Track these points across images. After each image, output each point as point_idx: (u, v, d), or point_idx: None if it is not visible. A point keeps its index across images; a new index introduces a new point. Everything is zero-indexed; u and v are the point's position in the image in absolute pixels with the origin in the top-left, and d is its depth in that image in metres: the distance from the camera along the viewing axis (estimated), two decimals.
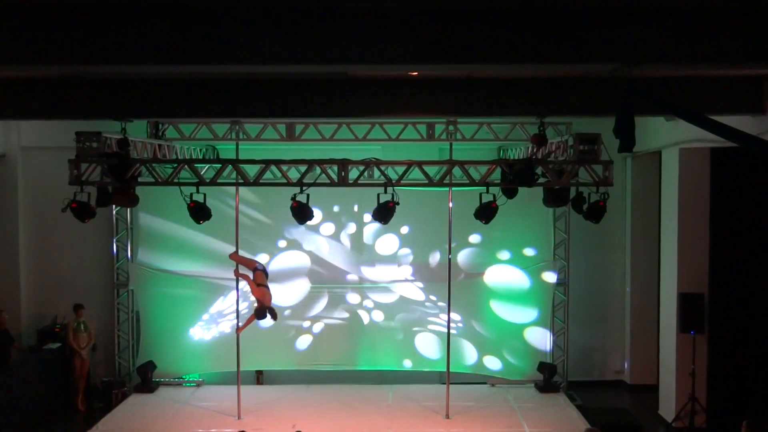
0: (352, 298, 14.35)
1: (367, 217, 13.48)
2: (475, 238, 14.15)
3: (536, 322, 14.29)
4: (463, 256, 14.17)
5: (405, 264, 14.30)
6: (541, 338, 14.29)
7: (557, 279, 14.22)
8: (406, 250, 14.28)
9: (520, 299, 14.27)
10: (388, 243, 14.27)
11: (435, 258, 14.16)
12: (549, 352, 14.23)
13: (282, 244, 14.20)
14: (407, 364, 14.29)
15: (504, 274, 14.27)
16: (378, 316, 14.34)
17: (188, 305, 14.20)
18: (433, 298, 14.23)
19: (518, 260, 14.28)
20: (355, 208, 14.14)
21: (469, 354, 14.29)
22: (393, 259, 14.30)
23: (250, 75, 9.73)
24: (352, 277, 14.33)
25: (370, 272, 14.31)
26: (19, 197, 14.23)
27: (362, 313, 14.35)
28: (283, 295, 14.14)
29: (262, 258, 13.37)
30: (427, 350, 14.28)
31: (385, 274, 14.29)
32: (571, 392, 13.83)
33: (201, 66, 7.62)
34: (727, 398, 11.97)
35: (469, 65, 7.96)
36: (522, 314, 14.28)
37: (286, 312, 14.20)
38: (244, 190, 13.10)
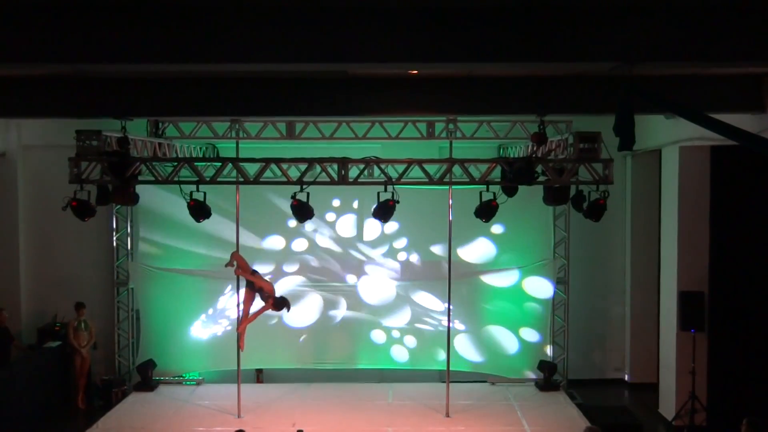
0: (352, 296, 14.35)
1: (367, 215, 13.49)
2: (475, 237, 14.14)
3: (536, 321, 14.30)
4: (462, 255, 14.16)
5: (405, 262, 14.30)
6: (541, 336, 14.30)
7: (555, 281, 14.25)
8: (406, 249, 14.29)
9: (520, 297, 14.27)
10: (387, 241, 14.27)
11: (435, 256, 14.15)
12: (549, 352, 14.25)
13: (280, 242, 14.22)
14: (408, 362, 14.32)
15: (503, 272, 14.27)
16: (377, 314, 14.34)
17: (188, 303, 14.21)
18: (432, 296, 14.23)
19: (518, 258, 14.28)
20: (355, 205, 14.15)
21: (469, 352, 14.30)
22: (393, 257, 14.30)
23: (250, 73, 9.73)
24: (352, 275, 14.32)
25: (369, 270, 14.30)
26: (20, 195, 14.24)
27: (362, 311, 14.35)
28: (282, 292, 14.17)
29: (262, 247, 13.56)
30: (427, 348, 14.29)
31: (384, 272, 14.30)
32: (571, 390, 13.83)
33: (201, 64, 7.64)
34: (727, 396, 11.97)
35: (469, 63, 7.96)
36: (522, 312, 14.28)
37: (285, 309, 14.23)
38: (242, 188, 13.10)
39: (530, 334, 14.29)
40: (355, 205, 14.16)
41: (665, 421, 12.63)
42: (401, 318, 14.33)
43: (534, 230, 14.30)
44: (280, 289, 14.01)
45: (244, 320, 11.88)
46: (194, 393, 13.69)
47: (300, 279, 14.28)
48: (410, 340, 14.35)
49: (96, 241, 14.32)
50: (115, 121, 10.90)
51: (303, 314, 14.30)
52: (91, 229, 13.12)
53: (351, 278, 14.33)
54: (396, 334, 14.35)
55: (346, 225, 14.28)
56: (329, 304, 14.34)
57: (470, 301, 14.24)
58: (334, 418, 12.31)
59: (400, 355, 14.37)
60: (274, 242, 14.21)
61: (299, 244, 14.22)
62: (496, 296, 14.29)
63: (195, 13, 7.04)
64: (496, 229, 13.93)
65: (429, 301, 14.28)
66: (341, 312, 14.36)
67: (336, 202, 14.12)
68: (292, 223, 13.74)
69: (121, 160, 10.55)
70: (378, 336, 14.35)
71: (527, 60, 7.36)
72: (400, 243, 14.28)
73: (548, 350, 14.28)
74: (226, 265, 11.77)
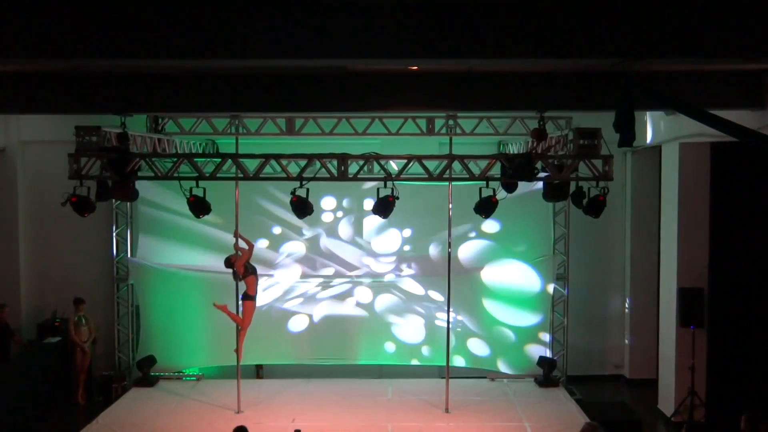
0: (352, 292, 14.36)
1: (367, 210, 13.50)
2: (474, 233, 14.15)
3: (536, 317, 14.30)
4: (462, 251, 14.17)
5: (405, 258, 14.30)
6: (540, 332, 14.31)
7: (556, 275, 14.25)
8: (406, 245, 14.30)
9: (520, 293, 14.27)
10: (387, 237, 14.27)
11: (434, 252, 14.16)
12: (549, 345, 14.27)
13: (280, 234, 14.22)
14: (408, 358, 14.35)
15: (503, 268, 14.27)
16: (378, 310, 14.34)
17: (188, 299, 14.19)
18: (432, 292, 14.24)
19: (518, 254, 14.28)
20: (355, 201, 14.15)
21: (468, 348, 14.31)
22: (393, 253, 14.30)
23: (250, 69, 9.72)
24: (352, 271, 14.33)
25: (369, 266, 14.31)
26: (19, 191, 14.25)
27: (362, 307, 14.35)
28: (282, 288, 14.20)
29: (261, 244, 13.71)
30: (427, 344, 14.31)
31: (384, 268, 14.30)
32: (570, 387, 13.85)
33: (200, 60, 7.64)
34: (726, 392, 12.00)
35: (469, 59, 7.94)
36: (521, 308, 14.29)
37: (285, 305, 14.26)
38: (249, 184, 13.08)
39: (529, 330, 14.30)
40: (355, 200, 14.16)
41: (664, 417, 12.65)
42: (401, 314, 14.34)
43: (533, 226, 14.29)
44: (281, 285, 14.10)
45: (242, 334, 11.98)
46: (194, 388, 13.70)
47: (299, 275, 14.28)
48: (410, 337, 14.35)
49: (96, 236, 14.32)
50: (115, 117, 10.87)
51: (302, 307, 14.32)
52: (90, 225, 13.12)
53: (350, 274, 14.32)
54: (395, 330, 14.35)
55: (346, 221, 14.28)
56: (329, 300, 14.34)
57: (469, 297, 14.25)
58: (334, 414, 12.32)
59: (399, 351, 14.38)
60: (274, 238, 14.20)
61: (299, 241, 14.22)
62: (495, 292, 14.29)
63: (194, 8, 7.03)
64: (496, 225, 13.94)
65: (428, 297, 14.28)
66: (341, 308, 14.36)
67: (335, 198, 14.10)
68: (292, 219, 13.74)
69: (120, 155, 10.53)
70: (378, 332, 14.35)
71: (527, 56, 7.34)
72: (400, 239, 14.28)
73: (548, 346, 14.29)
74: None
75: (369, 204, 13.13)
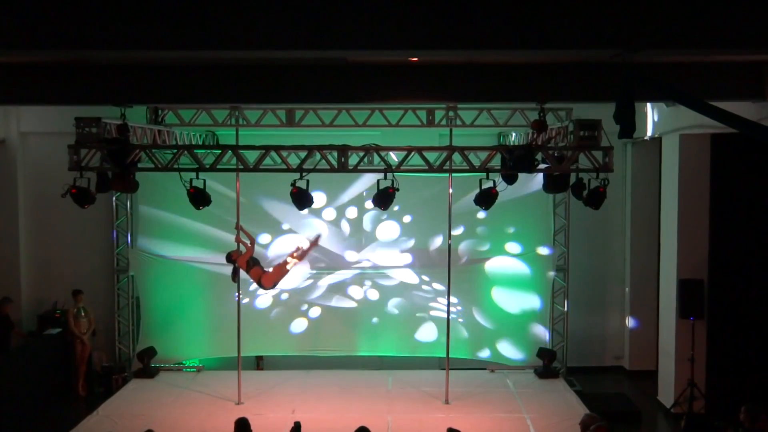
0: (352, 283, 14.37)
1: (368, 202, 13.50)
2: (474, 225, 14.14)
3: (535, 308, 14.32)
4: (462, 243, 14.18)
5: (405, 250, 14.31)
6: (540, 324, 14.33)
7: (554, 270, 14.24)
8: (406, 236, 14.30)
9: (520, 285, 14.29)
10: (388, 228, 14.28)
11: (435, 244, 14.17)
12: (548, 340, 14.29)
13: (283, 227, 14.19)
14: (408, 350, 14.36)
15: (503, 260, 14.29)
16: (378, 301, 14.36)
17: (188, 291, 14.23)
18: (432, 284, 14.26)
19: (518, 246, 14.28)
20: (355, 192, 14.15)
21: (468, 340, 14.33)
22: (393, 245, 14.31)
23: (250, 60, 9.67)
24: (353, 262, 14.33)
25: (370, 258, 14.32)
26: (19, 183, 14.24)
27: (362, 298, 14.37)
28: (282, 280, 14.20)
29: (263, 239, 13.81)
30: (427, 336, 14.33)
31: (385, 259, 14.31)
32: (570, 378, 13.88)
33: (200, 51, 7.60)
34: (725, 384, 12.01)
35: (469, 51, 7.91)
36: (521, 300, 14.31)
37: (286, 296, 14.27)
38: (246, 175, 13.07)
39: (530, 322, 14.32)
40: (355, 192, 14.15)
41: (664, 409, 12.66)
42: (400, 305, 14.36)
43: (534, 218, 14.30)
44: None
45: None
46: (194, 380, 13.73)
47: (300, 266, 14.25)
48: (410, 328, 14.36)
49: (96, 228, 14.32)
50: (115, 109, 10.84)
51: (303, 298, 14.33)
52: (90, 216, 13.10)
53: (351, 266, 14.32)
54: (395, 321, 14.37)
55: (347, 212, 14.27)
56: (329, 291, 14.36)
57: (470, 289, 14.26)
58: (334, 405, 12.35)
59: (399, 342, 14.40)
60: (272, 231, 14.18)
61: (298, 233, 14.19)
62: (495, 283, 14.31)
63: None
64: (495, 216, 13.89)
65: (428, 288, 14.29)
66: (341, 299, 14.38)
67: (336, 190, 14.09)
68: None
69: (120, 147, 10.52)
70: (378, 323, 14.37)
71: (527, 47, 7.31)
72: (399, 230, 14.28)
73: (547, 338, 14.31)
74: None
75: (369, 195, 13.15)
